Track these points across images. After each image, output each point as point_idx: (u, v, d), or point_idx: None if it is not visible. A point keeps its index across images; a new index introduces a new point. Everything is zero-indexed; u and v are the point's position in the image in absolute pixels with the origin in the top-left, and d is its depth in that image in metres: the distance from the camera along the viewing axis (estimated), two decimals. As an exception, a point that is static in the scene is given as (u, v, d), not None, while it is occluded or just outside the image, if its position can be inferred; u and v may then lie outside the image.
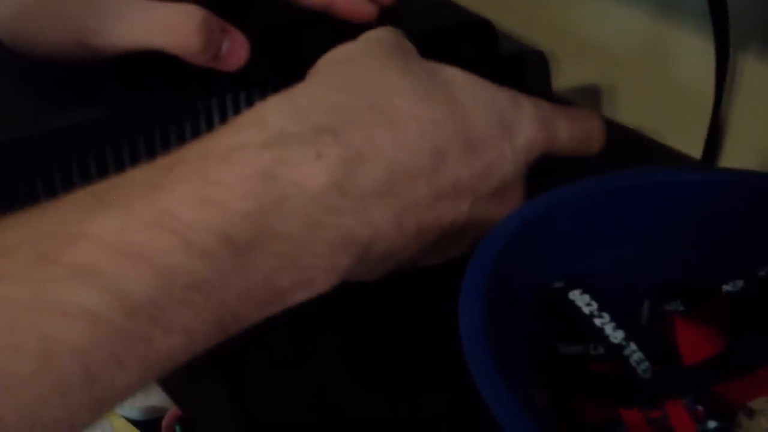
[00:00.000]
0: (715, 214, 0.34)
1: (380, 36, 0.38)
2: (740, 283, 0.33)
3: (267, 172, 0.28)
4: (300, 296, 0.30)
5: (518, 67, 0.53)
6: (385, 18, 0.47)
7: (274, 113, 0.31)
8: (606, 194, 0.34)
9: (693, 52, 0.57)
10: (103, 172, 0.41)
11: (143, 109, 0.42)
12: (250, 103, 0.44)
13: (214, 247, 0.27)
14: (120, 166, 0.42)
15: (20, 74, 0.43)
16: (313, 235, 0.29)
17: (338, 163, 0.30)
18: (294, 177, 0.29)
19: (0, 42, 0.43)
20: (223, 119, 0.44)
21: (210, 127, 0.44)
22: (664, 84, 0.59)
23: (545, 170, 0.39)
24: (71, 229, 0.26)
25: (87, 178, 0.41)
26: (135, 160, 0.42)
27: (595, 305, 0.32)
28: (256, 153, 0.29)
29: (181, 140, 0.43)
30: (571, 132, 0.39)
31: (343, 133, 0.30)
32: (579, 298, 0.32)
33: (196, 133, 0.43)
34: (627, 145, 0.58)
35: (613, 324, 0.31)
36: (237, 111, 0.44)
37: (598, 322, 0.31)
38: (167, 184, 0.27)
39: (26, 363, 0.23)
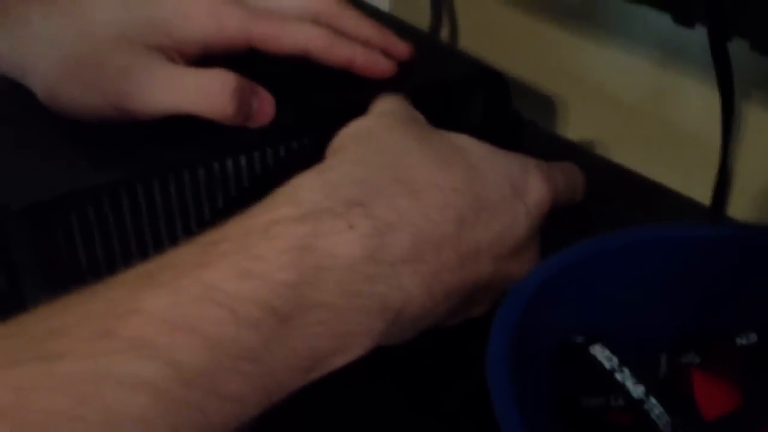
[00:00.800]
0: (728, 268, 0.36)
1: (393, 108, 0.40)
2: (753, 336, 0.34)
3: (304, 244, 0.30)
4: (338, 362, 0.31)
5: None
6: (401, 70, 0.49)
7: (306, 190, 0.33)
8: (623, 250, 0.36)
9: (698, 100, 0.58)
10: (138, 225, 0.43)
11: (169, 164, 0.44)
12: (276, 158, 0.46)
13: (258, 317, 0.28)
14: (155, 221, 0.44)
15: (52, 131, 0.45)
16: (350, 303, 0.31)
17: (369, 233, 0.32)
18: (329, 248, 0.31)
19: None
20: (252, 172, 0.45)
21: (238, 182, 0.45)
22: (670, 130, 0.61)
23: (560, 223, 0.41)
24: (126, 306, 0.27)
25: (122, 232, 0.43)
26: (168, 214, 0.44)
27: (615, 360, 0.33)
28: (293, 227, 0.31)
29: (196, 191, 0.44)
30: (566, 185, 0.41)
31: (372, 206, 0.32)
32: (600, 352, 0.34)
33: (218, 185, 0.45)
34: (635, 191, 0.60)
35: (633, 379, 0.33)
36: (265, 164, 0.46)
37: (619, 377, 0.33)
38: (212, 260, 0.29)
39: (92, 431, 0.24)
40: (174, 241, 0.44)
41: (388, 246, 0.32)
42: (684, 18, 0.41)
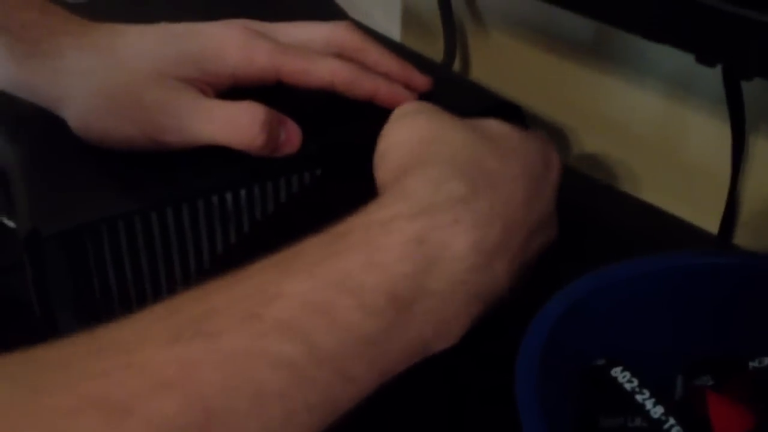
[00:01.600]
0: (741, 295, 0.38)
1: (422, 107, 0.42)
2: (765, 360, 0.36)
3: (419, 237, 0.33)
4: (440, 346, 0.34)
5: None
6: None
7: (416, 188, 0.35)
8: (643, 276, 0.37)
9: (707, 133, 0.60)
10: (167, 249, 0.44)
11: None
12: (300, 184, 0.47)
13: (382, 305, 0.31)
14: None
15: (83, 158, 0.47)
16: (456, 291, 0.33)
17: (472, 226, 0.34)
18: (440, 241, 0.33)
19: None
20: (277, 198, 0.47)
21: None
22: (681, 162, 0.62)
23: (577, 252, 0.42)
24: (270, 290, 0.30)
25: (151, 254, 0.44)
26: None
27: (635, 382, 0.35)
28: (409, 222, 0.34)
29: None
30: None
31: (471, 200, 0.35)
32: (620, 374, 0.35)
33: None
34: (645, 220, 0.61)
35: (653, 400, 0.34)
36: (289, 190, 0.47)
37: (639, 398, 0.34)
38: (340, 251, 0.32)
39: (242, 405, 0.27)
40: (201, 264, 0.46)
41: (486, 237, 0.35)
42: (707, 58, 0.43)
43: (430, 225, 0.33)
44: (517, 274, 0.38)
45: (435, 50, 0.77)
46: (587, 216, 0.60)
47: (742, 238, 0.59)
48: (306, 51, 0.48)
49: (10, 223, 0.56)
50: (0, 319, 0.49)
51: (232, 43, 0.46)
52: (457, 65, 0.80)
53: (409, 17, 0.85)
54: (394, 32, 0.86)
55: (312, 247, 0.33)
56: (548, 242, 0.40)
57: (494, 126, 0.41)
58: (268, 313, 0.29)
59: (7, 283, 0.52)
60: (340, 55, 0.49)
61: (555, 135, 0.70)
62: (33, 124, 0.48)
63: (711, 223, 0.59)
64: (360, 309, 0.30)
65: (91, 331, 0.29)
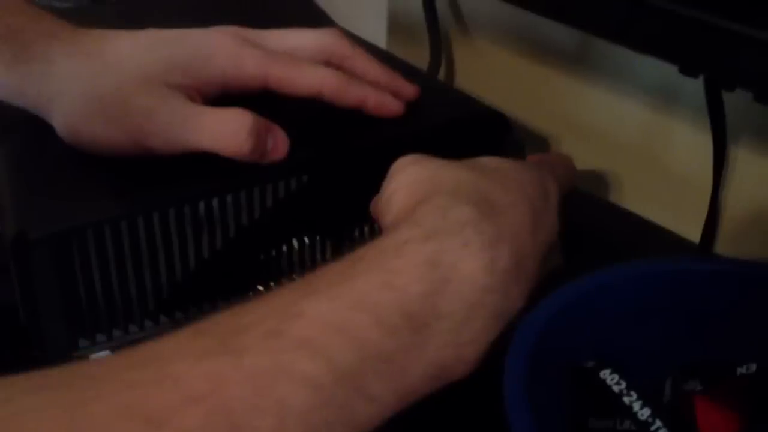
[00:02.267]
0: (728, 300, 0.38)
1: (418, 158, 0.42)
2: (753, 366, 0.36)
3: (431, 260, 0.34)
4: (460, 371, 0.34)
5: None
6: (408, 110, 0.51)
7: (424, 216, 0.36)
8: (632, 281, 0.38)
9: (690, 142, 0.60)
10: (153, 254, 0.44)
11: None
12: (287, 190, 0.47)
13: (398, 324, 0.32)
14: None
15: (71, 163, 0.46)
16: (470, 313, 0.34)
17: (481, 248, 0.35)
18: (452, 262, 0.34)
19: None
20: (263, 204, 0.47)
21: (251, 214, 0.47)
22: (663, 171, 0.63)
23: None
24: (291, 310, 0.31)
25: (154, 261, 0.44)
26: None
27: (623, 384, 0.35)
28: (420, 245, 0.34)
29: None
30: (565, 177, 0.46)
31: (478, 224, 0.36)
32: (609, 377, 0.35)
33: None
34: (628, 229, 0.62)
35: (640, 402, 0.35)
36: (276, 197, 0.47)
37: (626, 400, 0.35)
38: (358, 273, 0.33)
39: (266, 421, 0.28)
40: (187, 269, 0.46)
41: (496, 260, 0.35)
42: (690, 69, 0.44)
43: (440, 248, 0.34)
44: (533, 292, 0.38)
45: (420, 58, 0.78)
46: (570, 224, 0.61)
47: (722, 246, 0.60)
48: (295, 59, 0.48)
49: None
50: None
51: (221, 51, 0.46)
52: (442, 73, 0.80)
53: (395, 25, 0.85)
54: (381, 40, 0.86)
55: (330, 270, 0.34)
56: (554, 269, 0.41)
57: (491, 161, 0.41)
58: (289, 332, 0.30)
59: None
60: (329, 63, 0.49)
61: (539, 143, 0.70)
62: (20, 127, 0.48)
63: (693, 232, 0.60)
64: (377, 327, 0.31)
65: (124, 349, 0.30)
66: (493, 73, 0.75)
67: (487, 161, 0.41)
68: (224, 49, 0.46)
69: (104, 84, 0.45)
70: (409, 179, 0.40)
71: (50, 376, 0.28)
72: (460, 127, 0.53)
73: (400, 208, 0.39)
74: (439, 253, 0.34)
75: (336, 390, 0.30)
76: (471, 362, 0.34)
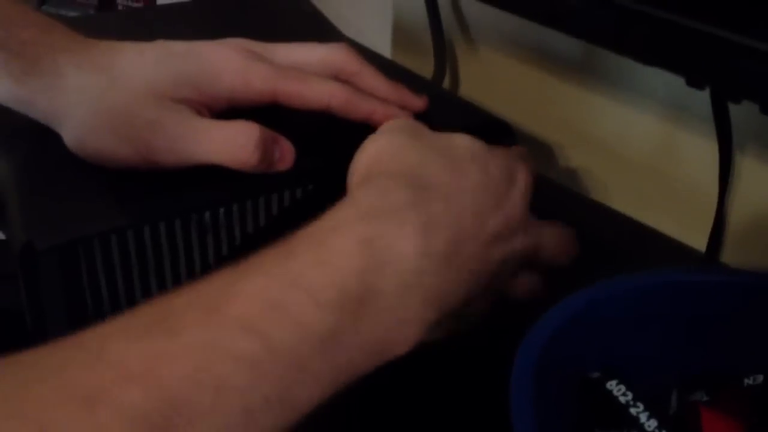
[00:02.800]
0: (736, 310, 0.38)
1: (401, 125, 0.44)
2: (760, 377, 0.36)
3: (367, 238, 0.35)
4: (399, 350, 0.35)
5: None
6: (415, 120, 0.51)
7: (363, 196, 0.37)
8: (639, 292, 0.38)
9: (696, 152, 0.60)
10: (159, 263, 0.45)
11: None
12: (293, 199, 0.47)
13: (334, 299, 0.33)
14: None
15: (78, 174, 0.47)
16: (406, 292, 0.35)
17: (418, 230, 0.36)
18: (387, 242, 0.35)
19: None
20: (269, 213, 0.47)
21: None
22: (669, 180, 0.63)
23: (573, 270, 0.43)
24: (229, 289, 0.32)
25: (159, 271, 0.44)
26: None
27: (630, 395, 0.35)
28: (357, 225, 0.35)
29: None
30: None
31: (416, 207, 0.37)
32: (615, 388, 0.35)
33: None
34: (634, 237, 0.62)
35: (647, 413, 0.35)
36: (281, 205, 0.47)
37: (633, 411, 0.35)
38: (294, 253, 0.34)
39: (206, 397, 0.29)
40: (193, 278, 0.46)
41: (431, 243, 0.36)
42: (696, 81, 0.44)
43: (376, 228, 0.35)
44: (482, 281, 0.39)
45: (425, 67, 0.78)
46: (576, 232, 0.61)
47: (728, 255, 0.60)
48: (303, 74, 0.48)
49: (0, 236, 0.56)
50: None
51: (229, 66, 0.47)
52: (446, 82, 0.80)
53: (399, 34, 0.86)
54: (385, 49, 0.86)
55: (267, 252, 0.35)
56: (521, 251, 0.42)
57: (457, 141, 0.42)
58: (226, 310, 0.31)
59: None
60: (336, 78, 0.50)
61: (544, 152, 0.70)
62: (27, 137, 0.48)
63: (699, 241, 0.60)
64: (313, 305, 0.32)
65: (62, 337, 0.30)
66: (497, 81, 0.76)
67: (454, 140, 0.42)
68: (232, 64, 0.47)
69: (113, 98, 0.45)
70: (373, 149, 0.42)
71: None
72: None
73: (354, 181, 0.41)
74: (374, 232, 0.35)
75: (274, 367, 0.30)
76: (410, 340, 0.35)
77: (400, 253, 0.35)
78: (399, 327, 0.35)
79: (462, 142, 0.42)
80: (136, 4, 0.95)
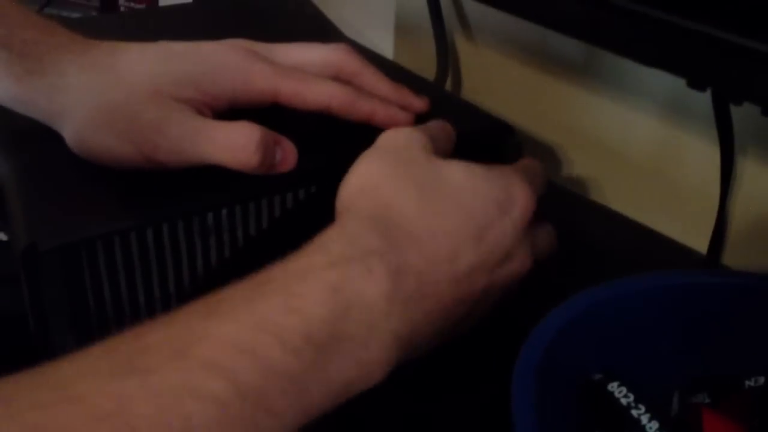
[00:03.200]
0: (737, 313, 0.38)
1: (396, 145, 0.44)
2: (761, 379, 0.36)
3: (335, 286, 0.35)
4: (361, 387, 0.36)
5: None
6: (417, 121, 0.51)
7: (332, 241, 0.38)
8: (639, 294, 0.38)
9: (698, 153, 0.60)
10: (162, 265, 0.45)
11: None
12: (295, 200, 0.47)
13: (300, 345, 0.33)
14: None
15: (80, 175, 0.47)
16: (371, 336, 0.35)
17: (385, 278, 0.37)
18: (355, 289, 0.35)
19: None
20: (271, 214, 0.47)
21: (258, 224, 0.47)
22: (670, 182, 0.63)
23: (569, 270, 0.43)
24: (197, 331, 0.32)
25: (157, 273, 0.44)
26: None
27: (631, 397, 0.35)
28: (325, 272, 0.36)
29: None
30: (542, 183, 0.47)
31: (385, 255, 0.37)
32: (617, 390, 0.36)
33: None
34: (635, 239, 0.62)
35: (648, 415, 0.35)
36: (284, 207, 0.47)
37: (635, 413, 0.35)
38: (261, 296, 0.34)
39: None
40: (195, 279, 0.46)
41: (399, 288, 0.37)
42: (697, 83, 0.44)
43: (345, 275, 0.36)
44: (455, 313, 0.40)
45: (427, 68, 0.78)
46: (577, 234, 0.61)
47: (730, 257, 0.60)
48: (304, 74, 0.48)
49: (2, 236, 0.56)
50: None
51: (231, 66, 0.47)
52: (448, 83, 0.80)
53: (402, 35, 0.86)
54: (388, 50, 0.86)
55: (236, 292, 0.35)
56: (513, 274, 0.42)
57: (445, 173, 0.42)
58: (195, 353, 0.31)
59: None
60: (337, 78, 0.50)
61: (546, 154, 0.70)
62: (29, 138, 0.48)
63: (700, 243, 0.60)
64: (280, 348, 0.32)
65: (36, 368, 0.31)
66: (499, 83, 0.76)
67: (447, 173, 0.42)
68: (234, 64, 0.47)
69: (115, 97, 0.45)
70: (356, 180, 0.42)
71: None
72: (466, 137, 0.53)
73: (339, 204, 0.42)
74: (342, 279, 0.35)
75: (240, 407, 0.31)
76: (375, 379, 0.36)
77: (367, 298, 0.36)
78: (362, 368, 0.35)
79: (450, 174, 0.42)
80: (138, 6, 0.95)
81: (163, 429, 0.29)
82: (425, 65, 0.78)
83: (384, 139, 0.45)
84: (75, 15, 0.95)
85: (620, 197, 0.66)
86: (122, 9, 0.95)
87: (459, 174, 0.42)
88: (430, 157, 0.43)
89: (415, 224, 0.39)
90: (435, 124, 0.49)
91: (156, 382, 0.30)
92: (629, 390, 0.36)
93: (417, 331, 0.38)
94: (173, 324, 0.33)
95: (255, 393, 0.31)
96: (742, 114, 0.54)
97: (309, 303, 0.34)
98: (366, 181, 0.42)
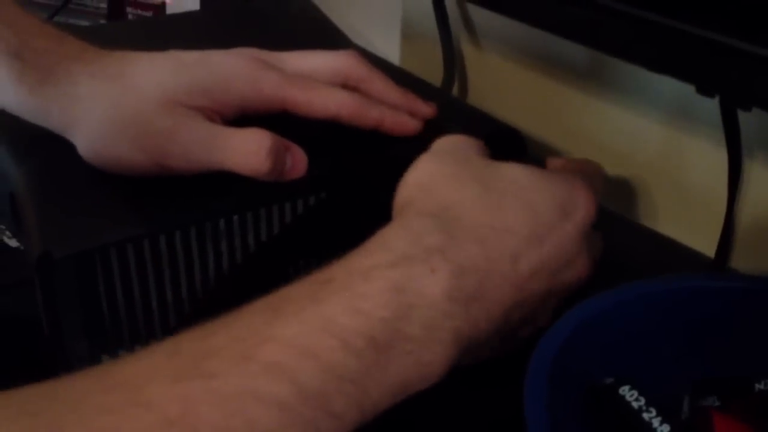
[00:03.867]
0: (746, 316, 0.39)
1: (451, 148, 0.44)
2: (771, 382, 0.37)
3: (398, 286, 0.35)
4: (420, 386, 0.36)
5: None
6: (426, 127, 0.52)
7: (395, 239, 0.38)
8: (649, 298, 0.38)
9: (706, 157, 0.61)
10: (174, 271, 0.45)
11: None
12: (306, 206, 0.48)
13: (362, 347, 0.33)
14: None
15: (93, 183, 0.47)
16: (432, 336, 0.35)
17: (447, 277, 0.36)
18: (417, 289, 0.35)
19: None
20: (282, 220, 0.48)
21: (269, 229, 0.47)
22: (678, 186, 0.63)
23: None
24: (261, 334, 0.32)
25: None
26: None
27: (642, 400, 0.36)
28: (388, 271, 0.36)
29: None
30: (601, 186, 0.48)
31: (448, 252, 0.37)
32: (628, 393, 0.36)
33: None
34: (643, 243, 0.62)
35: (659, 418, 0.35)
36: (295, 213, 0.48)
37: (646, 416, 0.35)
38: (325, 297, 0.34)
39: None
40: (207, 285, 0.46)
41: (461, 287, 0.37)
42: (706, 89, 0.44)
43: (407, 274, 0.36)
44: (515, 316, 0.40)
45: (434, 75, 0.78)
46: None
47: (737, 261, 0.60)
48: (312, 82, 0.49)
49: (12, 243, 0.57)
50: (1, 337, 0.49)
51: (240, 75, 0.47)
52: (455, 89, 0.80)
53: (408, 41, 0.86)
54: (394, 56, 0.87)
55: (299, 292, 0.35)
56: (574, 279, 0.42)
57: (505, 172, 0.42)
58: (259, 356, 0.32)
59: (7, 301, 0.52)
60: (346, 85, 0.50)
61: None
62: (42, 146, 0.49)
63: (708, 247, 0.60)
64: (342, 350, 0.33)
65: (101, 367, 0.31)
66: (506, 88, 0.76)
67: (507, 173, 0.42)
68: (244, 73, 0.47)
69: (126, 106, 0.45)
70: (416, 176, 0.42)
71: (29, 401, 0.29)
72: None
73: (397, 203, 0.41)
74: (405, 279, 0.35)
75: (302, 410, 0.31)
76: (433, 379, 0.36)
77: (429, 297, 0.36)
78: (421, 368, 0.35)
79: (511, 173, 0.42)
80: (145, 13, 0.95)
81: None
82: (432, 71, 0.78)
83: (439, 144, 0.45)
84: (83, 22, 0.96)
85: (628, 202, 0.66)
86: (130, 17, 0.96)
87: (520, 172, 0.42)
88: (487, 159, 0.43)
89: (476, 220, 0.39)
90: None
91: (221, 387, 0.30)
92: (640, 393, 0.36)
93: (477, 332, 0.38)
94: (238, 325, 0.33)
95: (317, 395, 0.31)
96: (749, 117, 0.54)
97: (372, 304, 0.34)
98: (425, 179, 0.42)
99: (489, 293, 0.38)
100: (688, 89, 0.47)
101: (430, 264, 0.36)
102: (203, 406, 0.29)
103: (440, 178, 0.41)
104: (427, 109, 0.52)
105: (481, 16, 0.77)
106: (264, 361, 0.31)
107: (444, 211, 0.39)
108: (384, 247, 0.37)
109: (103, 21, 0.96)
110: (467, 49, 0.79)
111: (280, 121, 0.48)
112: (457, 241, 0.38)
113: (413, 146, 0.50)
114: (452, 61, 0.79)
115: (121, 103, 0.46)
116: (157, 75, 0.46)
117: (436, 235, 0.38)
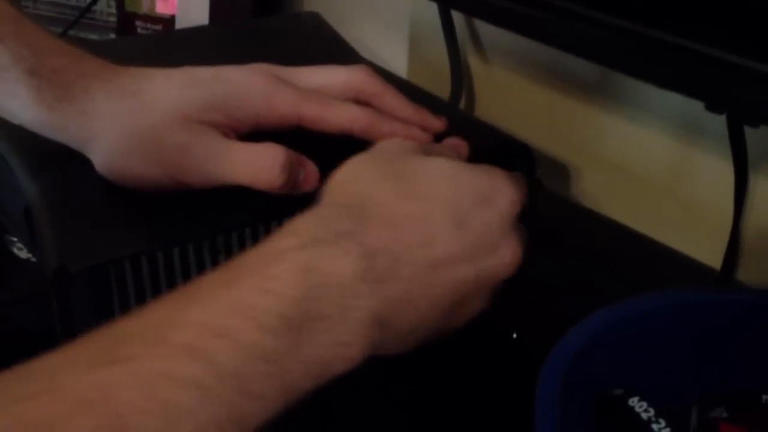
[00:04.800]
0: (753, 329, 0.39)
1: (384, 147, 0.45)
2: (779, 393, 0.37)
3: (308, 266, 0.36)
4: (341, 367, 0.36)
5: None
6: (436, 141, 0.52)
7: (305, 225, 0.38)
8: (658, 311, 0.39)
9: (712, 170, 0.61)
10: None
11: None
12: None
13: (276, 326, 0.34)
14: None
15: (108, 197, 0.48)
16: (346, 315, 0.36)
17: (357, 258, 0.37)
18: (327, 269, 0.36)
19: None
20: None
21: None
22: (684, 200, 0.64)
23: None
24: (175, 319, 0.33)
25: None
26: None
27: (652, 411, 0.36)
28: (298, 253, 0.36)
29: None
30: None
31: (357, 236, 0.38)
32: (637, 404, 0.36)
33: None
34: (650, 256, 0.63)
35: (668, 429, 0.35)
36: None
37: (655, 427, 0.35)
38: (237, 280, 0.35)
39: (154, 422, 0.30)
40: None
41: (372, 267, 0.37)
42: (715, 107, 0.45)
43: (317, 255, 0.36)
44: (440, 302, 0.40)
45: (442, 88, 0.79)
46: (592, 252, 0.61)
47: (744, 274, 0.60)
48: (326, 98, 0.49)
49: (22, 254, 0.57)
50: (8, 350, 0.50)
51: (255, 91, 0.48)
52: (462, 103, 0.81)
53: (415, 55, 0.87)
54: (401, 69, 0.87)
55: (211, 279, 0.36)
56: (501, 267, 0.42)
57: (428, 165, 0.43)
58: (175, 339, 0.32)
59: (19, 313, 0.53)
60: (358, 99, 0.51)
61: (560, 172, 0.71)
62: (57, 160, 0.49)
63: (714, 260, 0.61)
64: (257, 330, 0.33)
65: (24, 363, 0.31)
66: (513, 102, 0.76)
67: (430, 165, 0.43)
68: (257, 89, 0.48)
69: (142, 122, 0.46)
70: (340, 174, 0.43)
71: None
72: (481, 156, 0.53)
73: (320, 194, 0.42)
74: (314, 259, 0.36)
75: (221, 390, 0.32)
76: (352, 360, 0.36)
77: (339, 277, 0.36)
78: (340, 348, 0.36)
79: (433, 166, 0.43)
80: (155, 27, 0.96)
81: (148, 414, 0.30)
82: (439, 84, 0.79)
83: (377, 144, 0.46)
84: (93, 36, 0.97)
85: (635, 214, 0.67)
86: (139, 30, 0.97)
87: (441, 164, 0.43)
88: (417, 156, 0.44)
89: (388, 209, 0.40)
90: (448, 140, 0.50)
91: (138, 369, 0.31)
92: (649, 405, 0.36)
93: (395, 313, 0.38)
94: (153, 313, 0.34)
95: (234, 375, 0.32)
96: (755, 132, 0.54)
97: (282, 284, 0.35)
98: (347, 176, 0.43)
99: (404, 275, 0.38)
100: (695, 104, 0.47)
101: (340, 246, 0.37)
102: (121, 389, 0.30)
103: (360, 174, 0.42)
104: (437, 123, 0.53)
105: (488, 29, 0.77)
106: (180, 344, 0.32)
107: (357, 201, 0.40)
108: (293, 232, 0.38)
109: (112, 35, 0.97)
110: (474, 62, 0.80)
111: (291, 134, 0.48)
112: (367, 227, 0.39)
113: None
114: (460, 74, 0.79)
115: (137, 119, 0.46)
116: (172, 91, 0.47)
117: (346, 221, 0.39)
